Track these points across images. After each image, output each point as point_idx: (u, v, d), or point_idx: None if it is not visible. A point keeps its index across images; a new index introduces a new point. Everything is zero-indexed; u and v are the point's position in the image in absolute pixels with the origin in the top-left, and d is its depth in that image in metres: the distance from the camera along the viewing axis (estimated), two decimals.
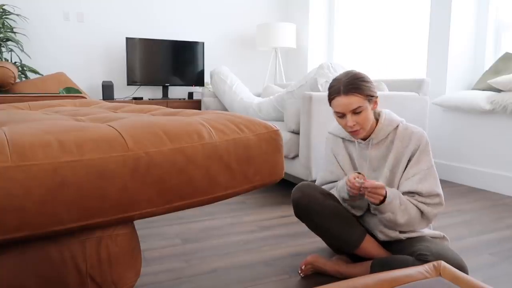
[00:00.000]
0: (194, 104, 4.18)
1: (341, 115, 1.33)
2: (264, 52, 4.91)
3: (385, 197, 1.24)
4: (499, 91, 2.63)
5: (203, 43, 4.33)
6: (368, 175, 1.41)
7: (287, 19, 4.92)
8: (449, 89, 2.98)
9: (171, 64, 4.23)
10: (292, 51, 4.85)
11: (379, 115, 1.40)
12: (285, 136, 2.41)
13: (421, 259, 1.19)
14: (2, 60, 3.54)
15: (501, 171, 2.63)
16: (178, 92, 4.53)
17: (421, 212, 1.28)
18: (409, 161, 1.34)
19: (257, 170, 1.00)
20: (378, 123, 1.37)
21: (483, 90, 2.75)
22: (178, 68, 4.26)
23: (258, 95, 3.94)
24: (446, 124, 3.00)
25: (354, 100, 1.28)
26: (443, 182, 2.92)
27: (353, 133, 1.34)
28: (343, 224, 1.36)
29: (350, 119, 1.30)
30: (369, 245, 1.36)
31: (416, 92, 2.60)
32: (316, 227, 1.40)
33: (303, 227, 1.91)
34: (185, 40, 4.34)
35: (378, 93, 2.40)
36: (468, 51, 3.00)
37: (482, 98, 2.62)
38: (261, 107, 3.02)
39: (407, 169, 1.33)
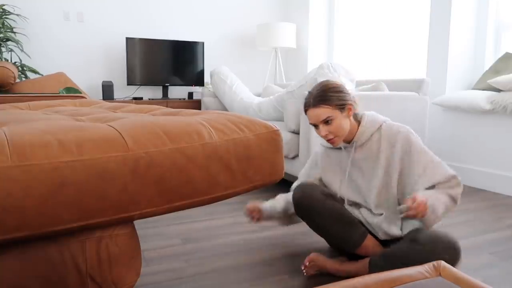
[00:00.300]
0: (194, 104, 4.18)
1: (315, 126, 1.38)
2: (264, 52, 4.91)
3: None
4: (499, 91, 2.63)
5: (203, 43, 4.33)
6: (357, 178, 1.42)
7: (287, 19, 4.92)
8: (449, 89, 2.98)
9: (171, 64, 4.23)
10: (292, 51, 4.85)
11: (361, 118, 1.42)
12: (285, 136, 2.41)
13: (413, 239, 1.22)
14: (2, 60, 3.54)
15: (501, 171, 2.63)
16: (178, 92, 4.53)
17: (451, 197, 1.29)
18: (402, 160, 1.35)
19: (257, 170, 1.00)
20: (360, 126, 1.40)
21: (483, 90, 2.75)
22: (178, 68, 4.26)
23: (258, 95, 3.94)
24: (446, 124, 3.00)
25: (322, 111, 1.33)
26: None
27: (328, 141, 1.38)
28: (344, 225, 1.37)
29: (322, 129, 1.35)
30: (370, 244, 1.37)
31: (416, 92, 2.60)
32: (317, 227, 1.41)
33: (303, 227, 1.91)
34: (185, 40, 4.34)
35: (378, 93, 2.40)
36: (468, 51, 3.00)
37: (482, 98, 2.62)
38: (261, 107, 3.02)
39: (413, 168, 1.33)
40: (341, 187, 1.47)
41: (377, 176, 1.37)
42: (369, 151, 1.39)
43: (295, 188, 1.46)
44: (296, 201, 1.42)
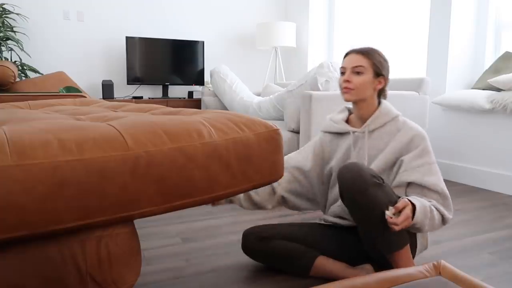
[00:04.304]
0: (194, 103, 4.18)
1: (343, 72, 1.41)
2: (264, 51, 4.91)
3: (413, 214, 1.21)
4: (499, 90, 2.63)
5: (203, 42, 4.33)
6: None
7: (287, 18, 4.92)
8: (449, 88, 2.98)
9: (171, 63, 4.23)
10: (292, 50, 4.85)
11: (379, 104, 1.43)
12: (285, 135, 2.41)
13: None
14: (2, 59, 3.54)
15: (501, 170, 2.63)
16: (178, 91, 4.52)
17: (442, 218, 1.29)
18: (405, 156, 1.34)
19: (257, 169, 1.00)
20: (377, 111, 1.40)
21: (483, 89, 2.75)
22: (178, 67, 4.26)
23: (258, 94, 3.94)
24: (446, 123, 3.00)
25: (359, 59, 1.37)
26: None
27: (344, 90, 1.38)
28: (291, 259, 1.38)
29: (348, 75, 1.37)
30: (323, 263, 1.37)
31: (416, 91, 2.60)
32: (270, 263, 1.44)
33: None
34: (185, 39, 4.34)
35: None
36: (468, 50, 3.00)
37: (482, 97, 2.62)
38: (261, 106, 3.02)
39: (409, 160, 1.32)
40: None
41: (376, 166, 1.36)
42: (377, 141, 1.38)
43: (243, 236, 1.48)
44: (244, 249, 1.47)
